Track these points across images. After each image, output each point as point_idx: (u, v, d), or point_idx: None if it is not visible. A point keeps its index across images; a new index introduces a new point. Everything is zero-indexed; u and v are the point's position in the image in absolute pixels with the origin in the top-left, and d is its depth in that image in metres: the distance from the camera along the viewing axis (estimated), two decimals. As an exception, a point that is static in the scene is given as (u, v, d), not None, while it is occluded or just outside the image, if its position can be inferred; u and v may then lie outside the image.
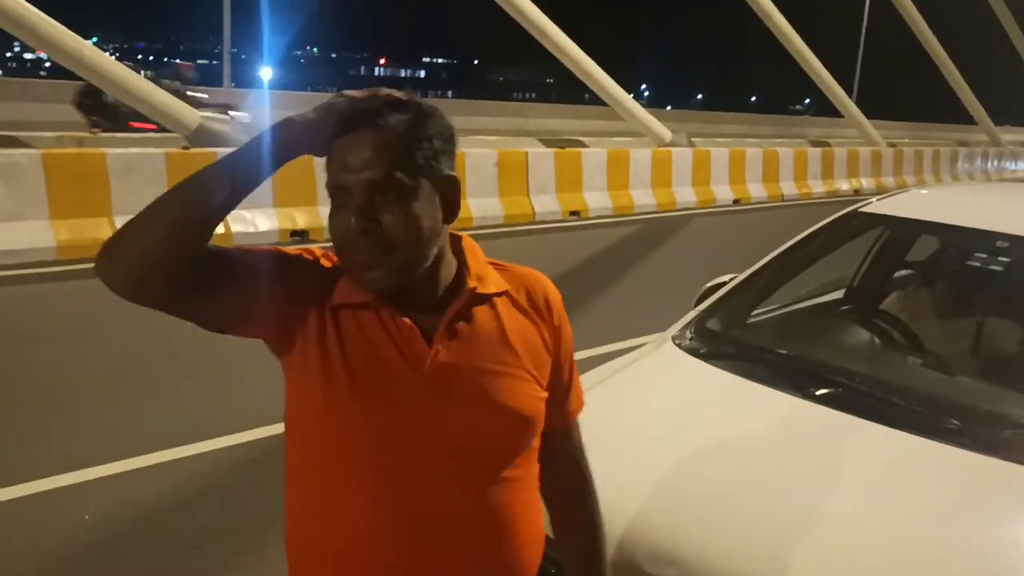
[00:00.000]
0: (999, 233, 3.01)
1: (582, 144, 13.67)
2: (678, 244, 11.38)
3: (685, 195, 14.06)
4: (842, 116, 20.16)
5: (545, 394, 1.43)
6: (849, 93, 20.83)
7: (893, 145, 20.02)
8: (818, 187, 16.58)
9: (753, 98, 62.06)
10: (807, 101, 64.63)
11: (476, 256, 1.44)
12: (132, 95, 9.97)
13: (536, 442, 1.44)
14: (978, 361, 2.96)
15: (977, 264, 3.12)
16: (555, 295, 1.49)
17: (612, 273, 9.04)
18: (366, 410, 1.31)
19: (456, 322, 1.36)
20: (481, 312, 1.38)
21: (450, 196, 1.34)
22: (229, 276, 1.29)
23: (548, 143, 13.69)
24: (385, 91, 1.30)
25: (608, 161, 12.96)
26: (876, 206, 3.43)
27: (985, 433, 2.33)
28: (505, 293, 1.42)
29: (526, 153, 11.97)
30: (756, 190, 15.31)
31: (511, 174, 11.56)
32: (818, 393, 2.54)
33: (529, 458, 1.43)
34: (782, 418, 2.47)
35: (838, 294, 3.77)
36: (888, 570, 1.87)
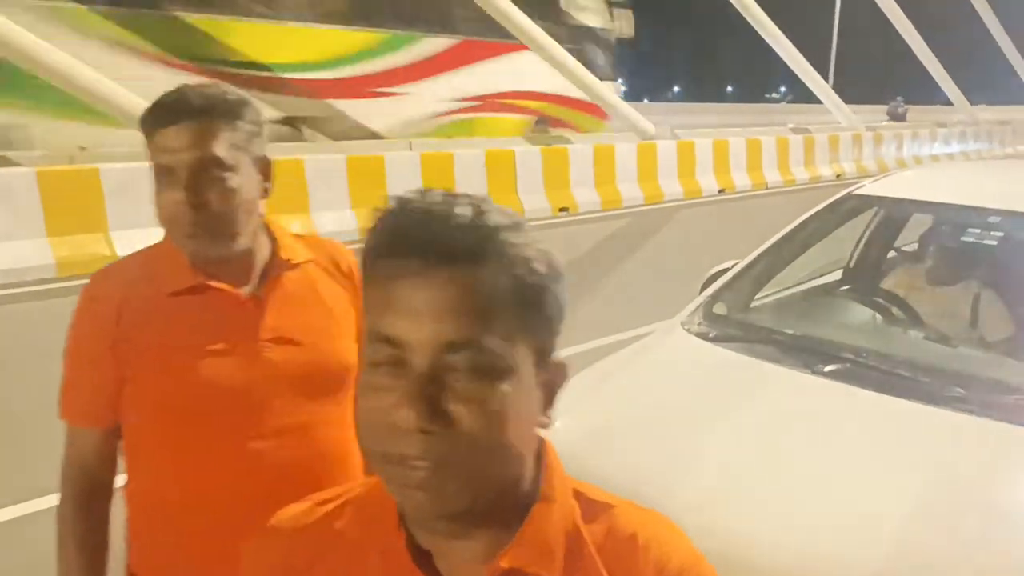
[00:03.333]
0: (990, 209, 3.13)
1: (567, 141, 13.78)
2: (667, 235, 11.50)
3: (671, 187, 14.19)
4: (820, 102, 20.35)
5: (356, 347, 1.60)
6: (824, 79, 21.02)
7: (872, 129, 20.23)
8: (801, 174, 16.73)
9: (729, 88, 62.37)
10: (783, 89, 65.04)
11: (284, 232, 1.60)
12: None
13: (353, 386, 1.60)
14: (976, 332, 3.08)
15: (970, 239, 3.25)
16: (356, 261, 1.65)
17: (604, 267, 9.16)
18: (199, 380, 1.46)
19: (275, 289, 1.53)
20: (295, 277, 1.56)
21: (265, 174, 1.52)
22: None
23: (534, 141, 13.79)
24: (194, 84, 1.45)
25: (594, 156, 13.08)
26: (869, 188, 3.56)
27: (988, 399, 2.45)
28: (313, 260, 1.60)
29: (513, 152, 12.06)
30: (740, 179, 15.46)
31: (499, 173, 11.64)
32: (827, 369, 2.66)
33: (350, 390, 1.58)
34: (794, 393, 2.58)
35: (836, 275, 3.90)
36: (904, 529, 1.98)
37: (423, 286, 0.77)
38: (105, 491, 1.57)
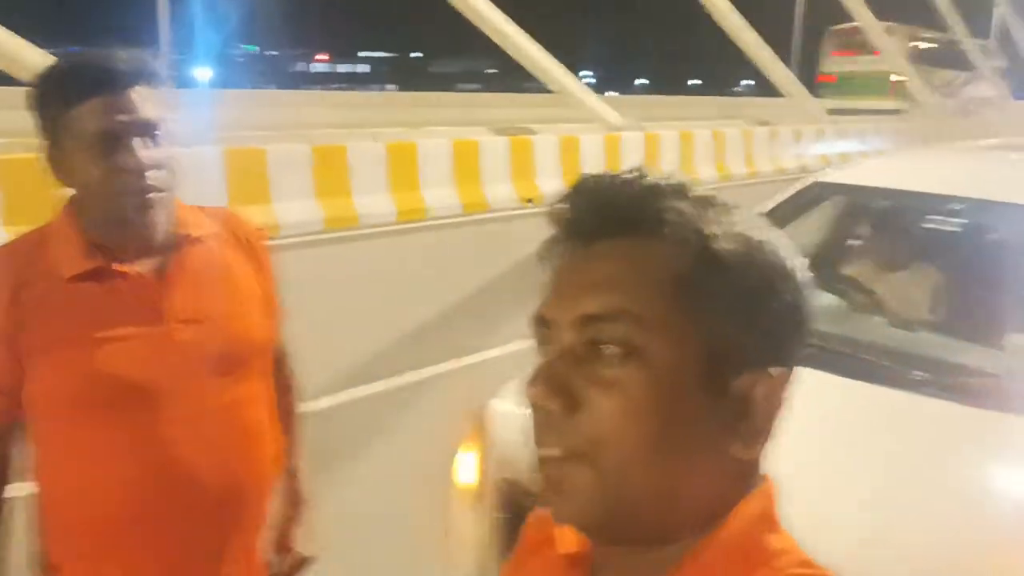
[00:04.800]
0: (953, 196, 3.16)
1: (531, 132, 13.76)
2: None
3: (636, 178, 14.24)
4: (782, 96, 20.50)
5: (267, 320, 1.59)
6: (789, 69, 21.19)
7: (836, 122, 20.41)
8: (765, 166, 16.85)
9: (693, 81, 62.71)
10: (748, 83, 65.57)
11: (180, 204, 1.53)
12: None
13: (267, 364, 1.60)
14: (937, 317, 3.11)
15: (932, 226, 3.28)
16: (255, 230, 1.64)
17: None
18: (108, 370, 1.40)
19: (180, 266, 1.47)
20: (199, 252, 1.51)
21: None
22: None
23: (498, 133, 13.75)
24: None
25: (560, 147, 13.05)
26: (834, 175, 3.58)
27: (950, 381, 2.48)
28: (213, 233, 1.55)
29: (478, 142, 11.91)
30: (706, 171, 15.54)
31: (465, 163, 11.55)
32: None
33: (265, 365, 1.60)
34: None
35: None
36: (869, 514, 1.99)
37: (574, 264, 0.72)
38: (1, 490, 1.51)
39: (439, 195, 11.05)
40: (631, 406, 0.67)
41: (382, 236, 9.80)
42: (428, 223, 10.29)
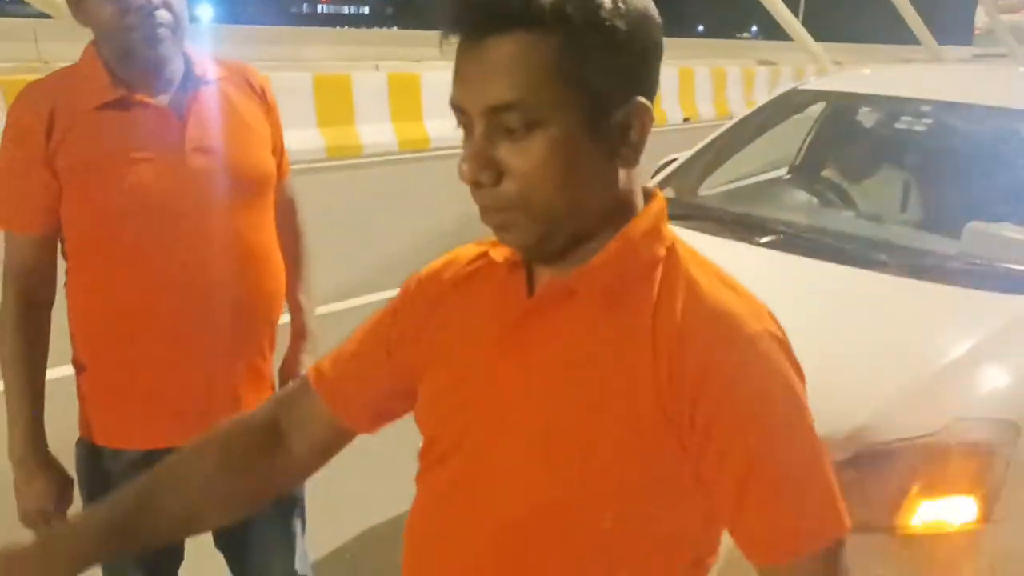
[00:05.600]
0: (921, 99, 3.34)
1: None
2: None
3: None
4: (789, 40, 20.41)
5: (273, 158, 1.79)
6: (795, 15, 21.06)
7: (838, 63, 20.37)
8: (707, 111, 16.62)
9: (700, 27, 62.08)
10: (754, 29, 64.91)
11: (196, 50, 1.70)
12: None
13: (271, 199, 1.80)
14: (904, 212, 3.30)
15: (902, 127, 3.45)
16: (266, 80, 1.83)
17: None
18: (129, 187, 1.59)
19: (194, 102, 1.65)
20: (211, 92, 1.69)
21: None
22: None
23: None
24: None
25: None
26: (813, 83, 3.75)
27: (907, 262, 2.68)
28: (226, 78, 1.74)
29: (419, 76, 11.22)
30: (705, 108, 15.59)
31: (402, 97, 11.04)
32: (762, 240, 2.87)
33: (270, 197, 1.79)
34: (731, 259, 2.77)
35: (783, 171, 4.09)
36: (828, 371, 2.18)
37: (472, 56, 0.87)
38: (46, 295, 1.71)
39: (441, 125, 11.10)
40: (541, 163, 0.88)
41: (384, 165, 9.90)
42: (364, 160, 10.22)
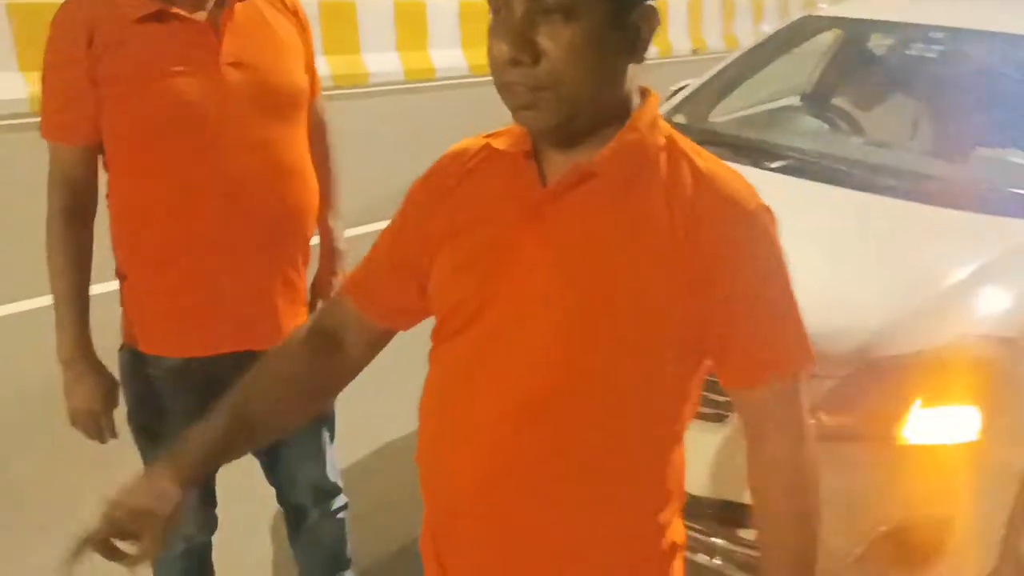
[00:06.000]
0: (933, 26, 3.36)
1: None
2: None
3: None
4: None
5: (305, 74, 1.84)
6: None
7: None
8: (747, 39, 16.52)
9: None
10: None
11: None
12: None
13: (303, 115, 1.85)
14: (913, 138, 3.35)
15: (914, 54, 3.48)
16: (299, 2, 1.88)
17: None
18: (167, 97, 1.65)
19: (229, 18, 1.70)
20: (246, 9, 1.73)
21: None
22: None
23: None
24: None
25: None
26: (827, 10, 3.75)
27: (913, 186, 2.74)
28: None
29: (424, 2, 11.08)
30: (713, 40, 15.40)
31: (472, 21, 11.17)
32: (773, 166, 2.92)
33: (303, 113, 1.84)
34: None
35: (795, 99, 4.11)
36: (835, 289, 2.25)
37: None
38: (90, 205, 1.77)
39: (447, 55, 11.02)
40: (576, 49, 0.98)
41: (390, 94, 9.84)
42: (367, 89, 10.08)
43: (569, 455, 1.07)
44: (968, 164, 2.91)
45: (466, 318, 1.10)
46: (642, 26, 1.02)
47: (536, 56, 0.97)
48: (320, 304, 2.02)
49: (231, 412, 1.20)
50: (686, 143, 1.10)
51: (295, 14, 1.84)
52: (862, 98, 3.54)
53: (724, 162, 1.11)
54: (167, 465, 1.15)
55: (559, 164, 1.07)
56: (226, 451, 1.19)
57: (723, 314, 1.06)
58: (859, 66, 3.74)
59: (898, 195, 2.68)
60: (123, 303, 1.81)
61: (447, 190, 1.16)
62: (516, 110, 1.03)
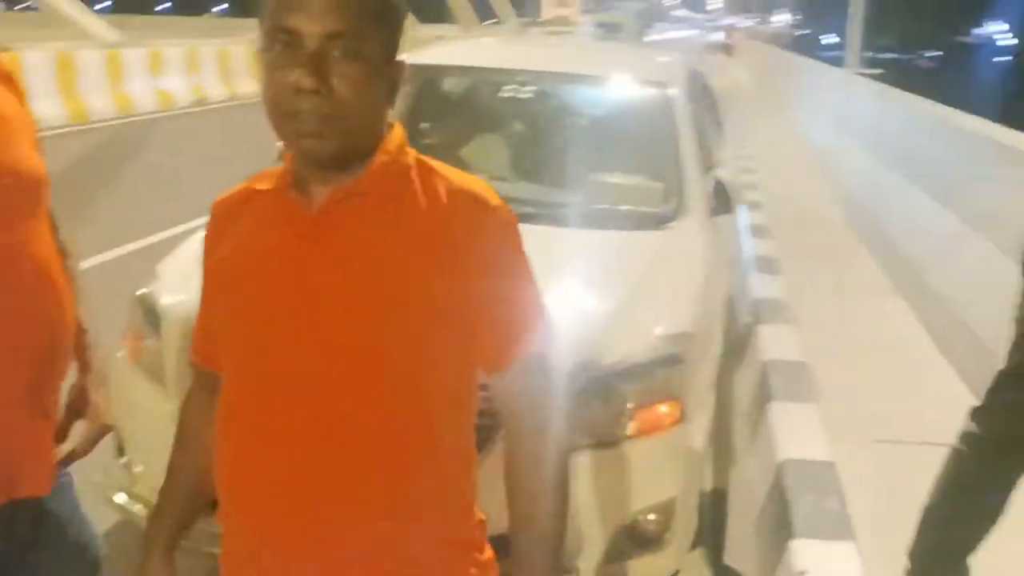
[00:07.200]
0: (525, 71, 3.74)
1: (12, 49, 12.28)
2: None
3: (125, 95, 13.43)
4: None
5: (38, 154, 1.53)
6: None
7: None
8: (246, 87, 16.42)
9: (162, 7, 59.21)
10: (222, 8, 64.24)
11: None
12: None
13: (45, 205, 1.56)
14: (523, 170, 3.67)
15: (507, 96, 3.81)
16: (13, 61, 1.69)
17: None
18: None
19: None
20: None
21: None
22: None
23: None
24: None
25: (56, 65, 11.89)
26: (410, 57, 3.92)
27: (546, 212, 3.01)
28: None
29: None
30: (215, 90, 15.11)
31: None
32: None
33: (44, 219, 1.56)
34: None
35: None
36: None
37: None
38: None
39: None
40: (360, 86, 1.10)
41: None
42: None
43: (370, 459, 1.16)
44: (567, 188, 3.25)
45: (252, 338, 1.18)
46: (398, 76, 1.18)
47: (330, 88, 1.08)
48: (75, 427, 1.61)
49: (185, 473, 1.34)
50: (432, 161, 1.24)
51: (11, 81, 1.46)
52: (461, 137, 3.77)
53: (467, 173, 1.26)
54: (158, 548, 1.33)
55: (321, 193, 1.17)
56: (195, 508, 1.35)
57: (475, 296, 1.18)
58: (452, 107, 3.98)
59: (536, 222, 2.90)
60: None
61: (220, 234, 1.25)
62: (300, 137, 1.11)
